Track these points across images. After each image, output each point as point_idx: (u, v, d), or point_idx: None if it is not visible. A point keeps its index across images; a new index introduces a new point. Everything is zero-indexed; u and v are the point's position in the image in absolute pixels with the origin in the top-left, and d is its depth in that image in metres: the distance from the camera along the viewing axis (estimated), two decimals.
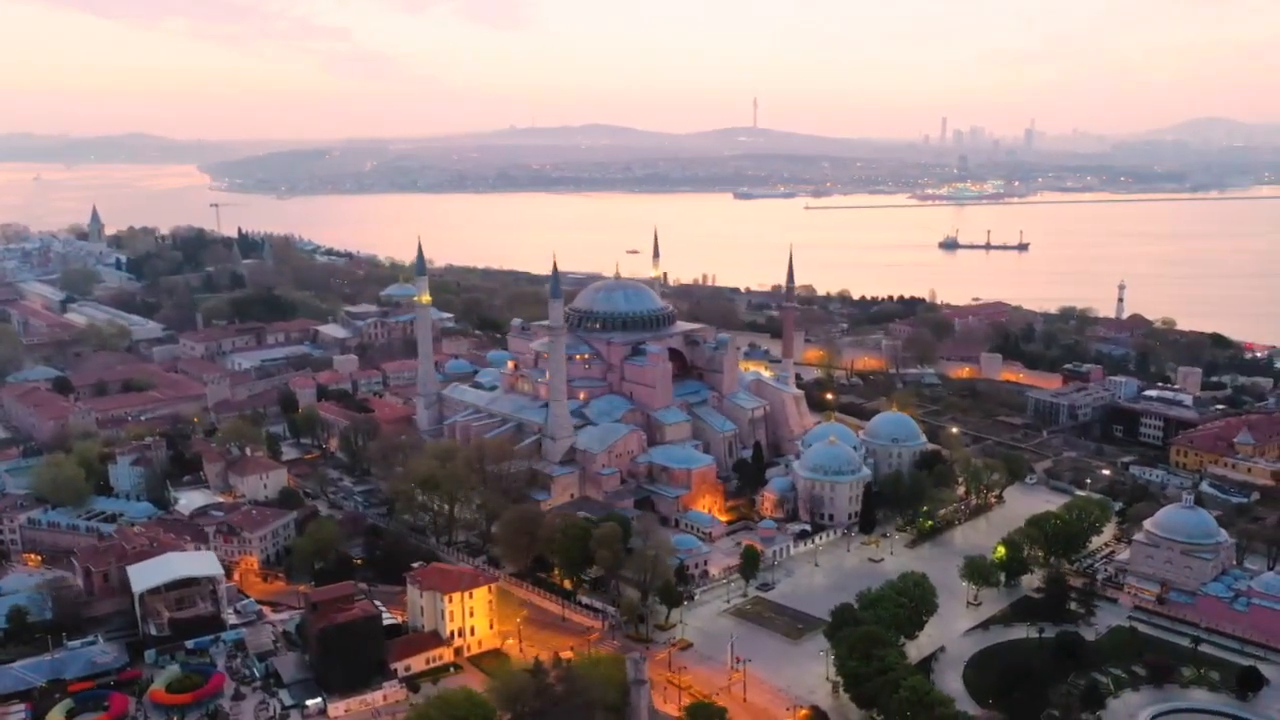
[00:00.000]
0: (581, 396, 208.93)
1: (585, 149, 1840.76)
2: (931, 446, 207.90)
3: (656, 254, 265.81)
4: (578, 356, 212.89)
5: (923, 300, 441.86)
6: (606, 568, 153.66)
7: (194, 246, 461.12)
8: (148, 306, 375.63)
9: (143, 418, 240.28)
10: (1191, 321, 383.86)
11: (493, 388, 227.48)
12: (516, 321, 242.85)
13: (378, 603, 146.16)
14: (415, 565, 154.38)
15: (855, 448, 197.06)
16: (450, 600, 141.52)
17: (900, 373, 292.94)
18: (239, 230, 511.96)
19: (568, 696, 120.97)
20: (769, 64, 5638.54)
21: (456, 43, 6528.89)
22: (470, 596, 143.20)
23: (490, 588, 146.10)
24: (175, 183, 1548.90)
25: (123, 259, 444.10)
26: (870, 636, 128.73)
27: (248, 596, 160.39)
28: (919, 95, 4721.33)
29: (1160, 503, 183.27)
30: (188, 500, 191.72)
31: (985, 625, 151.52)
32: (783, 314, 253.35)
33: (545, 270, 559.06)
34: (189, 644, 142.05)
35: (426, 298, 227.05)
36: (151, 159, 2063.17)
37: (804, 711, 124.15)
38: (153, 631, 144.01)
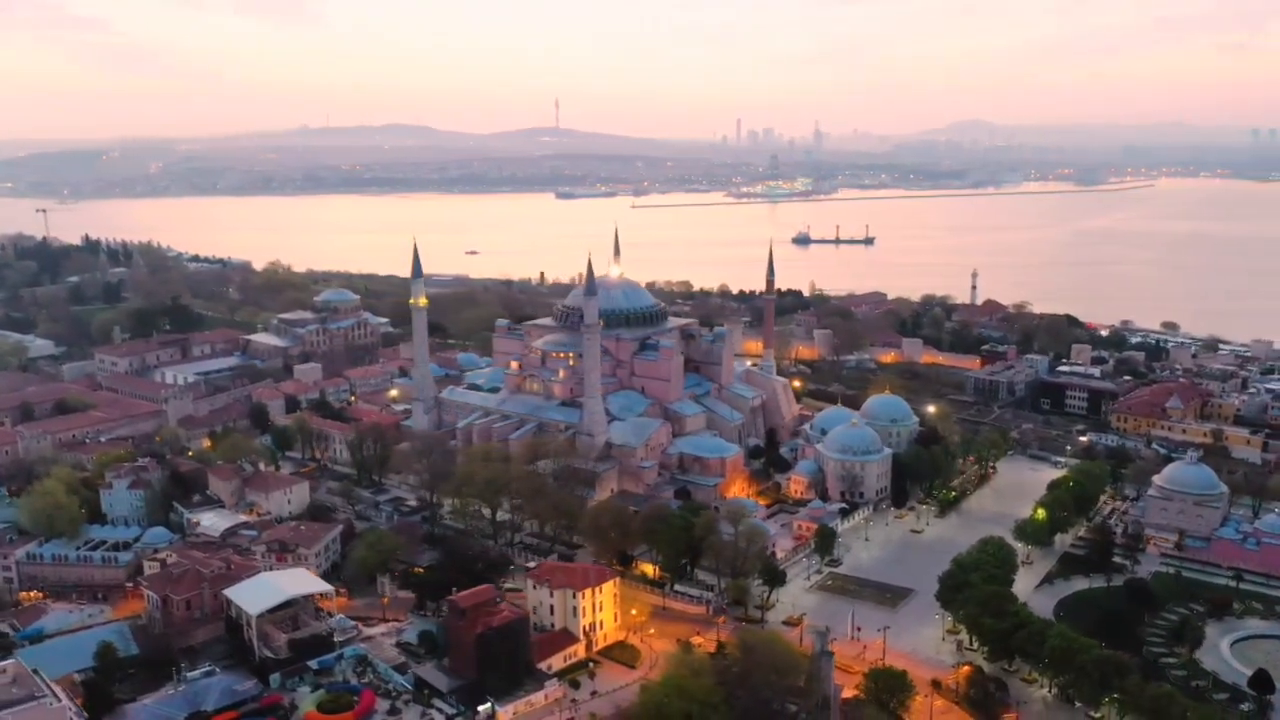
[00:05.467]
0: None
1: (388, 149, 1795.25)
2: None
3: (617, 251, 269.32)
4: None
5: (800, 293, 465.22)
6: (713, 554, 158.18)
7: (50, 257, 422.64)
8: (13, 321, 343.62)
9: (102, 439, 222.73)
10: (1036, 305, 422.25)
11: (493, 389, 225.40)
12: (502, 322, 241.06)
13: None
14: (531, 565, 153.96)
15: None
16: (583, 596, 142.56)
17: (841, 359, 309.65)
18: (85, 237, 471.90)
19: (750, 673, 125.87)
20: (565, 65, 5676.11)
21: (233, 38, 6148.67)
22: (600, 592, 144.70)
23: (615, 582, 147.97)
24: None
25: None
26: (1000, 595, 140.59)
27: (328, 612, 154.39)
28: (713, 97, 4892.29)
29: (1139, 464, 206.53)
30: (211, 521, 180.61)
31: (1050, 580, 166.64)
32: (764, 306, 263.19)
33: (406, 273, 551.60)
34: (313, 664, 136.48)
35: (424, 300, 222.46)
36: None
37: (966, 668, 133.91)
38: (268, 654, 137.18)
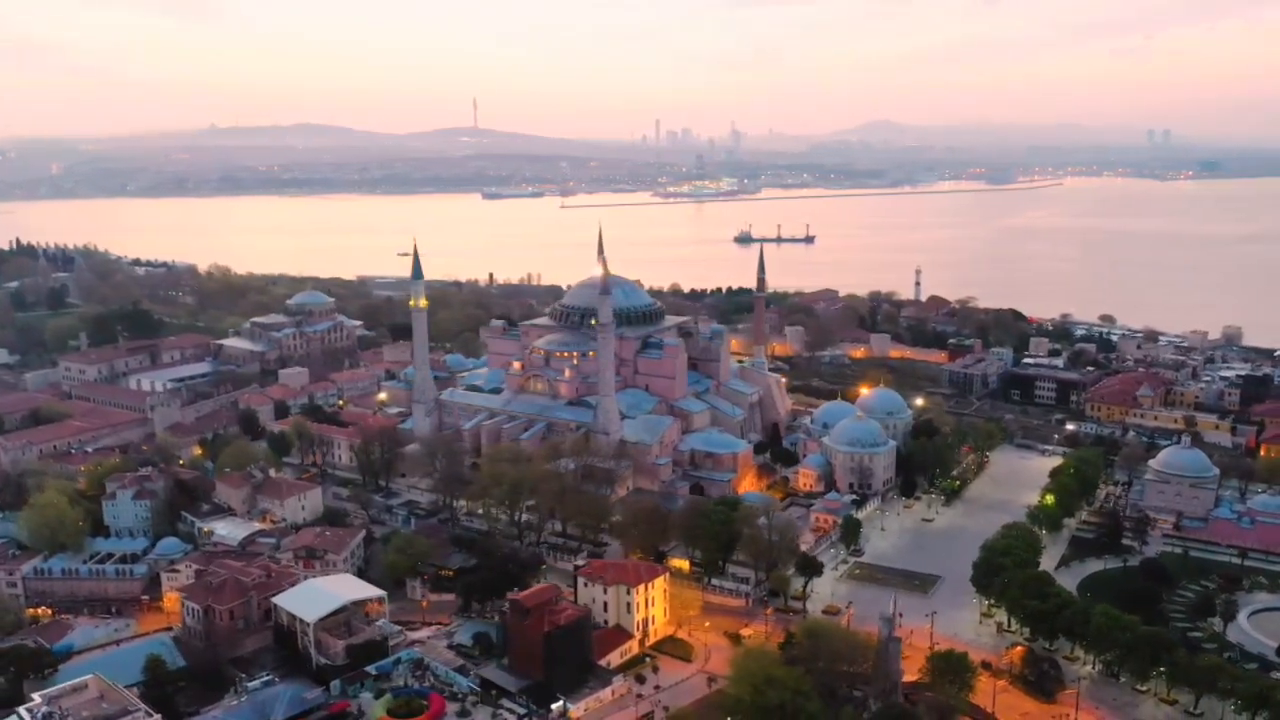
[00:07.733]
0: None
1: (303, 149, 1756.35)
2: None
3: (601, 251, 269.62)
4: (589, 354, 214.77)
5: (750, 290, 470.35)
6: (750, 547, 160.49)
7: None
8: None
9: (88, 449, 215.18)
10: (979, 301, 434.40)
11: (494, 390, 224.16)
12: (496, 323, 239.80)
13: None
14: (580, 563, 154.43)
15: None
16: (637, 593, 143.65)
17: (816, 355, 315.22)
18: (16, 240, 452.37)
19: (826, 662, 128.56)
20: (479, 65, 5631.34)
21: (130, 35, 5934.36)
22: (652, 587, 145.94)
23: (665, 577, 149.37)
24: None
25: None
26: (1040, 578, 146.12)
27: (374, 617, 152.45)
28: (630, 97, 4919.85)
29: (1128, 450, 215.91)
30: (225, 529, 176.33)
31: (1066, 563, 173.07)
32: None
33: (350, 275, 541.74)
34: (370, 669, 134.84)
35: (424, 301, 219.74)
36: None
37: (1020, 649, 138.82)
38: (324, 661, 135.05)
